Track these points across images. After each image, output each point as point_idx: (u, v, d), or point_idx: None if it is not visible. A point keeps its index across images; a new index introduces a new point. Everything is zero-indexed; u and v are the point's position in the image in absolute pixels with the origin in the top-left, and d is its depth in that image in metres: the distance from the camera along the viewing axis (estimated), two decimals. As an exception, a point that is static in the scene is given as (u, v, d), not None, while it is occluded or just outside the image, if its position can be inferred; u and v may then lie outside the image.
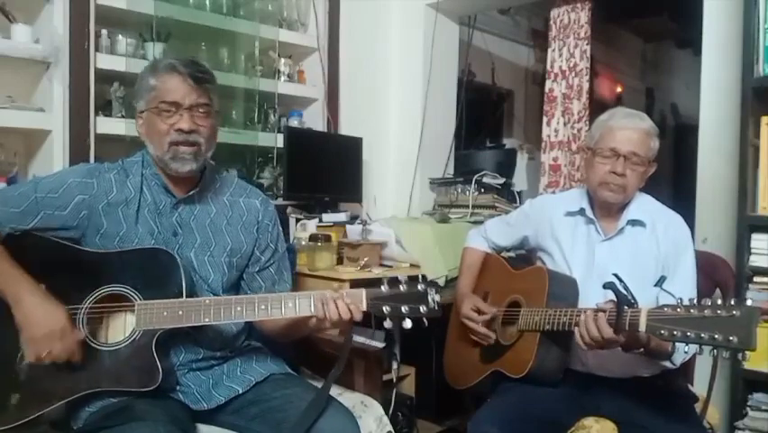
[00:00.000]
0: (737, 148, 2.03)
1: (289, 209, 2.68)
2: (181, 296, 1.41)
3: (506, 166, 3.15)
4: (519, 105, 5.18)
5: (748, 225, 1.97)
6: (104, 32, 2.31)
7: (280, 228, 1.71)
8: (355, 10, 3.07)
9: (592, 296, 1.56)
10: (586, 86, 3.11)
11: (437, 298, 1.39)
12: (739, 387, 1.97)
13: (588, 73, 3.12)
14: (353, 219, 2.70)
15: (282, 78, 2.87)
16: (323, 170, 2.81)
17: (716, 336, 1.22)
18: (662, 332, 1.29)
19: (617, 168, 1.65)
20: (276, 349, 1.68)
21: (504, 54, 4.84)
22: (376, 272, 2.22)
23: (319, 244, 2.25)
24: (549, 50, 3.22)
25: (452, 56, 3.46)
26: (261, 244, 1.63)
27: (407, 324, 1.38)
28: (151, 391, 1.37)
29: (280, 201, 2.72)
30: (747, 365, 1.87)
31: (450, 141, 3.39)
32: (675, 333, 1.27)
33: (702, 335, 1.24)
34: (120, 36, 2.37)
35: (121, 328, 1.43)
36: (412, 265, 2.36)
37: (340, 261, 2.36)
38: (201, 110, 1.47)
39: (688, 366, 1.83)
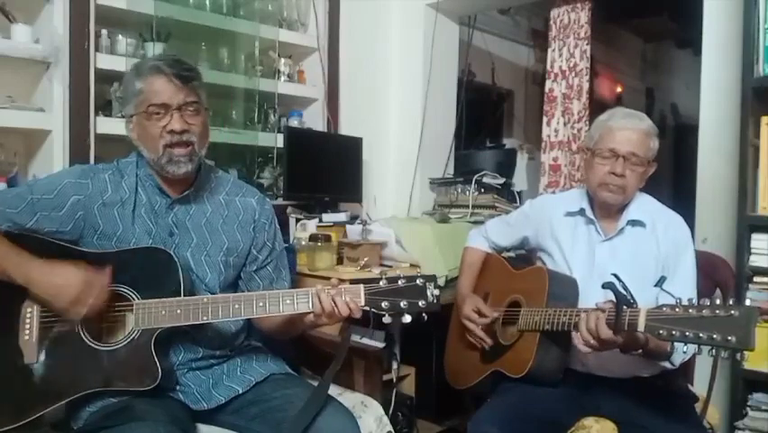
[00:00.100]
0: (737, 148, 2.03)
1: (289, 209, 2.68)
2: (179, 295, 1.41)
3: (506, 166, 3.15)
4: (519, 105, 5.18)
5: (748, 225, 1.97)
6: (104, 32, 2.31)
7: (278, 227, 1.70)
8: (355, 10, 3.07)
9: (592, 296, 1.56)
10: (586, 86, 3.11)
11: (436, 292, 1.39)
12: (739, 387, 1.97)
13: (588, 73, 3.12)
14: (353, 219, 2.70)
15: (282, 78, 2.86)
16: (323, 170, 2.81)
17: (714, 336, 1.22)
18: (661, 332, 1.29)
19: (616, 168, 1.64)
20: (276, 349, 1.68)
21: (504, 54, 4.84)
22: (376, 272, 2.21)
23: (319, 244, 2.25)
24: (549, 50, 3.22)
25: (452, 56, 3.46)
26: (258, 243, 1.63)
27: (407, 319, 1.37)
28: (151, 390, 1.37)
29: (280, 201, 2.72)
30: (747, 365, 1.88)
31: (450, 141, 3.39)
32: (674, 333, 1.27)
33: (701, 335, 1.24)
34: (120, 36, 2.37)
35: (120, 328, 1.43)
36: (412, 265, 2.36)
37: (340, 261, 2.36)
38: (190, 109, 1.47)
39: (688, 366, 1.83)
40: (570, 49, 3.11)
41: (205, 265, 1.54)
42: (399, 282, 1.38)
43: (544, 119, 3.21)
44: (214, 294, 1.51)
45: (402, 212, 3.20)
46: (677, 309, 1.28)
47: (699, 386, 1.82)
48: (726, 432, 1.97)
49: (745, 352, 1.24)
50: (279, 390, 1.52)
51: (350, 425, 1.44)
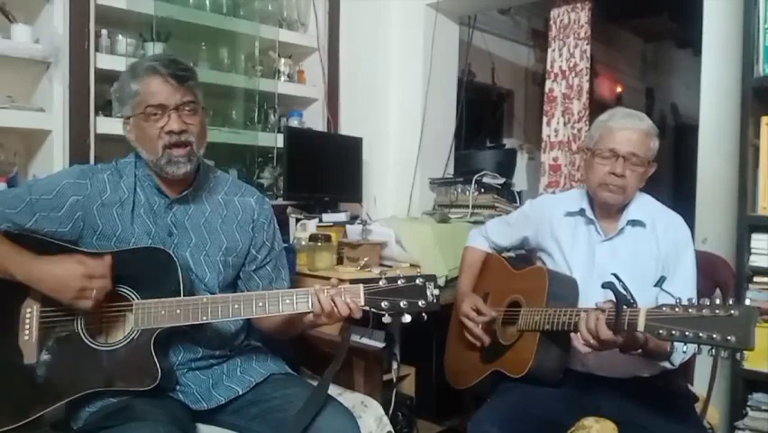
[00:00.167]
0: (737, 148, 2.03)
1: (289, 209, 2.68)
2: (179, 295, 1.41)
3: (506, 166, 3.15)
4: (519, 105, 5.18)
5: (748, 225, 1.97)
6: (104, 32, 2.31)
7: (277, 226, 1.70)
8: (355, 10, 3.07)
9: (592, 296, 1.56)
10: (586, 86, 3.11)
11: (436, 291, 1.38)
12: (739, 387, 1.97)
13: (588, 73, 3.12)
14: (353, 219, 2.70)
15: (282, 78, 2.86)
16: (323, 170, 2.81)
17: (714, 336, 1.22)
18: (661, 331, 1.29)
19: (616, 169, 1.64)
20: (276, 349, 1.68)
21: (504, 54, 4.84)
22: (376, 272, 2.21)
23: (319, 244, 2.25)
24: (549, 50, 3.22)
25: (452, 56, 3.46)
26: (257, 243, 1.63)
27: (406, 318, 1.37)
28: (151, 390, 1.37)
29: (280, 201, 2.72)
30: (747, 365, 1.88)
31: (450, 141, 3.39)
32: (674, 332, 1.27)
33: (700, 334, 1.24)
34: (120, 36, 2.37)
35: (119, 328, 1.43)
36: (412, 265, 2.36)
37: (340, 261, 2.36)
38: (187, 108, 1.47)
39: (688, 366, 1.83)
40: (570, 49, 3.11)
41: (204, 265, 1.54)
42: (399, 282, 1.38)
43: (544, 119, 3.21)
44: (213, 294, 1.51)
45: (402, 212, 3.20)
46: (677, 309, 1.28)
47: (699, 386, 1.82)
48: (726, 432, 1.97)
49: (745, 352, 1.24)
50: (279, 390, 1.52)
51: (350, 425, 1.44)
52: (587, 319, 1.45)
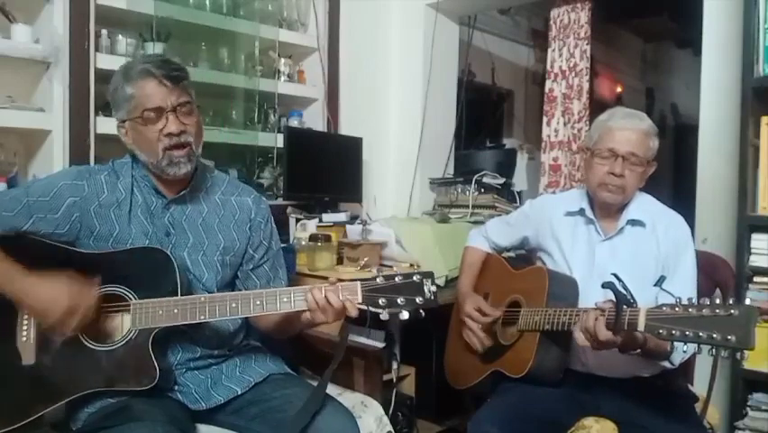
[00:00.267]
0: (737, 148, 2.03)
1: (289, 209, 2.68)
2: (176, 295, 1.41)
3: (506, 166, 3.15)
4: (519, 105, 5.18)
5: (748, 225, 1.97)
6: (104, 32, 2.30)
7: (274, 226, 1.70)
8: (355, 10, 3.07)
9: (592, 296, 1.56)
10: (586, 86, 3.11)
11: (433, 288, 1.38)
12: (739, 387, 1.97)
13: (588, 73, 3.12)
14: (353, 219, 2.70)
15: (282, 78, 2.86)
16: (323, 170, 2.81)
17: (714, 336, 1.22)
18: (661, 331, 1.29)
19: (615, 168, 1.64)
20: (275, 349, 1.68)
21: (504, 54, 4.84)
22: (375, 272, 2.21)
23: (319, 244, 2.25)
24: (549, 50, 3.22)
25: (452, 56, 3.46)
26: (254, 242, 1.62)
27: (404, 315, 1.36)
28: (149, 390, 1.37)
29: (280, 201, 2.71)
30: (747, 365, 1.88)
31: (450, 141, 3.39)
32: (674, 332, 1.27)
33: (700, 334, 1.24)
34: (120, 36, 2.37)
35: (117, 328, 1.42)
36: (412, 265, 2.36)
37: (340, 261, 2.36)
38: (184, 109, 1.46)
39: (688, 366, 1.83)
40: (570, 49, 3.11)
41: (201, 265, 1.54)
42: (396, 279, 1.37)
43: (544, 119, 3.21)
44: (211, 293, 1.51)
45: (402, 212, 3.20)
46: (677, 309, 1.28)
47: (699, 386, 1.82)
48: (726, 432, 1.97)
49: (745, 351, 1.24)
50: (279, 390, 1.51)
51: (349, 425, 1.43)
52: (586, 319, 1.44)
